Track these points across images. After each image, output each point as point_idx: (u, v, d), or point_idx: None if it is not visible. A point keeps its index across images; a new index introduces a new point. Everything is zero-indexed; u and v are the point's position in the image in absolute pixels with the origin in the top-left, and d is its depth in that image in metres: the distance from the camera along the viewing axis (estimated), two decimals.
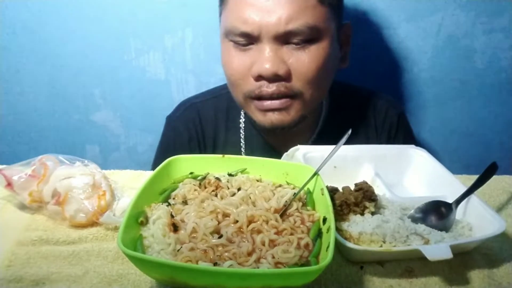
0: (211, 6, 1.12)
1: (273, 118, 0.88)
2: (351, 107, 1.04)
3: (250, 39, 0.83)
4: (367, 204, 0.68)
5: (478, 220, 0.67)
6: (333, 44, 0.87)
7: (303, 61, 0.83)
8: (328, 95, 1.01)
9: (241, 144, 1.02)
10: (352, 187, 0.71)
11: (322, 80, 0.88)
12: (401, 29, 1.16)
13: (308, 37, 0.82)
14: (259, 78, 0.84)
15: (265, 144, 1.02)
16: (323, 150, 0.79)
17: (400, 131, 1.05)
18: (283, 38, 0.82)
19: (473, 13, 1.14)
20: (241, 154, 1.02)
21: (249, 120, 1.02)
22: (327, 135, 0.96)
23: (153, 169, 1.09)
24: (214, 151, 1.04)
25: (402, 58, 1.20)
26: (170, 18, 1.18)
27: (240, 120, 1.03)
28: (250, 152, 1.02)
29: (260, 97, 0.86)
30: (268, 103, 0.86)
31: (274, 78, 0.83)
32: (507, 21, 1.14)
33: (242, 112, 1.03)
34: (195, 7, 1.16)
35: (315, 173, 0.67)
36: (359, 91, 1.08)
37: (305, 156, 0.80)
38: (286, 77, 0.83)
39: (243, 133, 1.03)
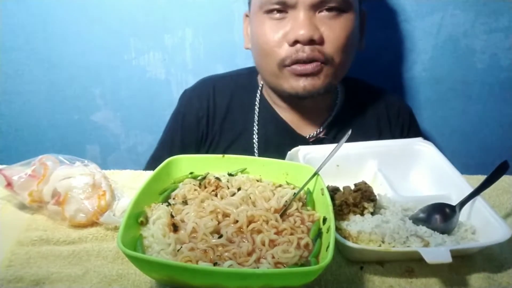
0: (211, 6, 1.13)
1: (306, 83, 0.92)
2: (365, 98, 1.07)
3: (286, 7, 0.89)
4: (365, 204, 0.68)
5: (482, 224, 0.66)
6: (357, 20, 0.94)
7: (335, 28, 0.89)
8: (342, 84, 1.04)
9: (255, 120, 1.04)
10: (353, 186, 0.71)
11: (349, 50, 0.94)
12: (401, 29, 1.16)
13: (340, 5, 0.89)
14: (295, 43, 0.89)
15: (280, 122, 1.03)
16: (323, 150, 0.79)
17: (412, 130, 1.08)
18: (318, 6, 0.88)
19: (473, 13, 1.14)
20: (253, 132, 1.03)
21: (265, 99, 1.05)
22: (342, 120, 1.02)
23: (160, 142, 1.10)
24: (222, 126, 1.05)
25: (402, 58, 1.20)
26: (170, 18, 1.18)
27: (256, 99, 1.05)
28: (263, 130, 1.03)
29: (295, 63, 0.90)
30: (301, 68, 0.90)
31: (309, 42, 0.88)
32: (507, 21, 1.14)
33: (258, 92, 1.06)
34: (195, 7, 1.16)
35: (315, 173, 0.67)
36: (370, 86, 1.11)
37: (305, 157, 0.80)
38: (319, 42, 0.89)
39: (258, 110, 1.04)
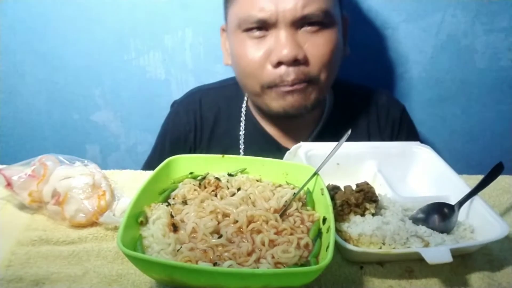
0: (211, 6, 1.13)
1: (293, 100, 0.89)
2: (353, 103, 1.05)
3: (266, 26, 0.85)
4: (367, 205, 0.68)
5: (480, 222, 0.66)
6: (340, 31, 0.91)
7: (319, 44, 0.86)
8: (331, 91, 1.02)
9: (241, 134, 1.02)
10: (354, 186, 0.70)
11: (334, 64, 0.91)
12: (401, 29, 1.16)
13: (323, 20, 0.85)
14: (278, 64, 0.85)
15: (265, 136, 1.02)
16: (325, 147, 0.78)
17: (403, 127, 1.06)
18: (299, 23, 0.84)
19: (473, 13, 1.14)
20: (239, 146, 1.02)
21: (250, 112, 1.03)
22: (329, 131, 0.98)
23: (150, 153, 1.11)
24: (210, 140, 1.04)
25: (402, 58, 1.20)
26: (170, 18, 1.18)
27: (242, 112, 1.03)
28: (249, 144, 1.02)
29: (280, 85, 0.87)
30: (288, 88, 0.87)
31: (293, 62, 0.84)
32: (507, 21, 1.14)
33: (244, 104, 1.04)
34: (195, 7, 1.16)
35: (315, 173, 0.67)
36: (360, 88, 1.09)
37: (307, 154, 0.80)
38: (304, 61, 0.86)
39: (244, 124, 1.03)
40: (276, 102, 0.90)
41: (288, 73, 0.85)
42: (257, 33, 0.86)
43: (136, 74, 1.24)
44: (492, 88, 1.23)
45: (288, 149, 0.95)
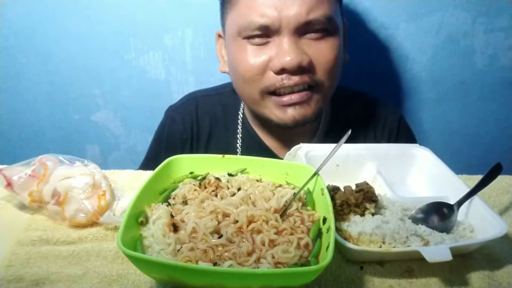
0: (211, 6, 1.12)
1: (294, 113, 0.86)
2: (351, 113, 1.04)
3: (268, 33, 0.83)
4: (367, 205, 0.68)
5: (480, 222, 0.66)
6: (342, 37, 0.89)
7: (323, 51, 0.84)
8: (330, 100, 1.00)
9: (238, 144, 1.02)
10: (354, 187, 0.71)
11: (338, 71, 0.89)
12: (401, 29, 1.16)
13: (327, 27, 0.84)
14: (281, 71, 0.83)
15: (262, 146, 1.01)
16: (325, 148, 0.79)
17: (400, 136, 1.05)
18: (303, 29, 0.82)
19: (473, 13, 1.14)
20: (236, 153, 1.02)
21: (247, 121, 1.02)
22: (326, 142, 0.96)
23: (145, 159, 1.09)
24: (207, 149, 1.02)
25: (402, 58, 1.20)
26: (170, 18, 1.18)
27: (238, 121, 1.02)
28: (246, 153, 1.01)
29: (280, 92, 0.85)
30: (287, 98, 0.85)
31: (297, 70, 0.82)
32: (507, 21, 1.14)
33: (240, 113, 1.02)
34: (195, 7, 1.16)
35: (315, 173, 0.67)
36: (358, 97, 1.07)
37: (307, 155, 0.80)
38: (309, 68, 0.83)
39: (241, 133, 1.02)
40: (275, 114, 0.88)
41: (290, 77, 0.83)
42: (258, 40, 0.84)
43: (136, 74, 1.24)
44: (492, 88, 1.23)
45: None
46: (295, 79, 0.83)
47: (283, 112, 0.87)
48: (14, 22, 1.18)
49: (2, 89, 1.26)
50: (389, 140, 1.03)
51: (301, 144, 0.82)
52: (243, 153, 1.01)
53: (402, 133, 1.05)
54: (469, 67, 1.21)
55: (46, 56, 1.22)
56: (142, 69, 1.24)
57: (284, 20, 0.81)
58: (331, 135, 0.99)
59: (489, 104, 1.25)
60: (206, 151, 1.03)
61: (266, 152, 1.00)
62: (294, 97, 0.85)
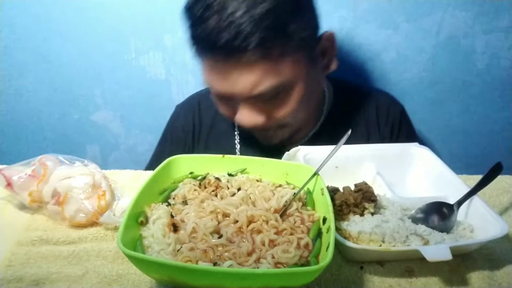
0: None
1: (272, 140, 0.93)
2: (352, 102, 1.04)
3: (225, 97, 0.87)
4: (366, 205, 0.68)
5: (480, 221, 0.66)
6: (309, 71, 0.86)
7: (281, 108, 0.86)
8: (331, 89, 1.01)
9: (235, 135, 1.03)
10: (353, 187, 0.71)
11: (306, 104, 0.89)
12: (401, 29, 1.16)
13: (278, 94, 0.83)
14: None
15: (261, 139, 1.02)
16: (323, 151, 0.79)
17: (403, 127, 1.05)
18: (256, 98, 0.83)
19: (473, 13, 1.14)
20: (235, 147, 1.03)
21: None
22: (327, 130, 0.98)
23: (152, 155, 1.13)
24: (207, 141, 1.06)
25: (402, 58, 1.20)
26: (170, 18, 1.18)
27: None
28: (244, 147, 1.02)
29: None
30: (261, 134, 0.92)
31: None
32: (507, 21, 1.14)
33: None
34: None
35: (315, 173, 0.67)
36: (359, 88, 1.09)
37: (305, 157, 0.80)
38: (267, 122, 0.87)
39: (238, 128, 1.04)
40: (259, 136, 0.94)
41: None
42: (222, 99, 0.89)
43: (136, 74, 1.24)
44: (492, 88, 1.23)
45: (284, 147, 0.95)
46: (260, 131, 0.89)
47: (265, 137, 0.94)
48: (14, 22, 1.18)
49: (2, 89, 1.26)
50: (392, 130, 1.04)
51: (300, 147, 0.83)
52: (241, 143, 1.03)
53: (404, 123, 1.06)
54: (469, 67, 1.20)
55: (46, 56, 1.22)
56: (142, 69, 1.24)
57: (236, 92, 0.82)
58: (332, 124, 0.99)
59: (489, 104, 1.25)
60: (206, 143, 1.06)
61: (265, 146, 1.00)
62: (267, 134, 0.92)
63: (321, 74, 0.93)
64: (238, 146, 1.03)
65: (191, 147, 1.07)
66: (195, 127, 1.07)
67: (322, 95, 1.00)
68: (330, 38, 0.90)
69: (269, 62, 0.78)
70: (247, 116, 0.86)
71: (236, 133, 1.03)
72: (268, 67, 0.79)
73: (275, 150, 0.96)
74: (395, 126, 1.04)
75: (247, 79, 0.80)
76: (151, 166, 1.07)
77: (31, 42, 1.20)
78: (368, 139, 1.01)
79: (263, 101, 0.83)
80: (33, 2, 1.16)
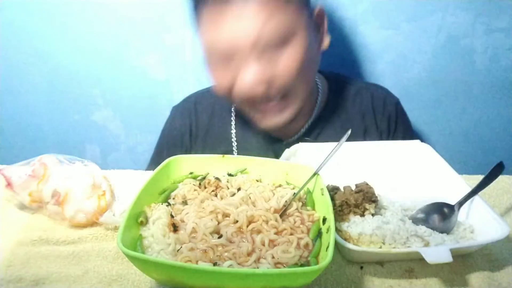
0: None
1: (272, 122, 0.90)
2: (348, 93, 1.04)
3: (226, 56, 0.83)
4: (367, 205, 0.68)
5: (480, 223, 0.66)
6: (309, 32, 0.85)
7: (283, 61, 0.82)
8: (324, 80, 1.01)
9: (233, 135, 1.03)
10: (354, 186, 0.70)
11: (308, 71, 0.88)
12: (401, 29, 1.16)
13: (284, 40, 0.81)
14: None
15: (257, 129, 1.00)
16: (324, 148, 0.78)
17: (399, 120, 1.05)
18: (257, 51, 0.80)
19: (473, 13, 1.14)
20: (231, 143, 1.03)
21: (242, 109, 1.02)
22: (324, 120, 0.98)
23: (151, 158, 1.12)
24: (205, 140, 1.06)
25: (402, 58, 1.20)
26: (170, 18, 1.18)
27: (232, 108, 1.04)
28: (243, 141, 1.02)
29: (251, 101, 0.87)
30: (263, 107, 0.88)
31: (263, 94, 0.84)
32: (507, 21, 1.14)
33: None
34: None
35: (315, 173, 0.67)
36: (355, 80, 1.09)
37: (305, 155, 0.80)
38: (270, 86, 0.83)
39: (234, 122, 1.04)
40: (256, 120, 0.92)
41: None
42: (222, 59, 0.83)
43: (136, 74, 1.24)
44: (492, 88, 1.23)
45: (281, 140, 0.96)
46: (260, 93, 0.83)
47: (263, 119, 0.91)
48: (14, 22, 1.18)
49: (2, 89, 1.26)
50: (389, 122, 1.03)
51: (300, 144, 0.82)
52: (239, 141, 1.03)
53: (400, 117, 1.06)
54: (469, 67, 1.20)
55: (46, 56, 1.22)
56: (142, 69, 1.24)
57: (239, 43, 0.80)
58: (329, 114, 0.99)
59: (489, 104, 1.25)
60: (204, 142, 1.05)
61: (261, 134, 1.00)
62: (269, 105, 0.88)
63: (317, 48, 0.91)
64: (235, 145, 1.03)
65: (189, 148, 1.07)
66: (192, 128, 1.07)
67: (316, 86, 1.00)
68: (321, 13, 0.90)
69: (275, 2, 0.78)
70: (250, 75, 0.80)
71: (233, 133, 1.03)
72: (274, 7, 0.78)
73: (274, 150, 0.96)
74: (391, 118, 1.04)
75: (253, 20, 0.78)
76: (149, 169, 1.06)
77: (31, 42, 1.20)
78: (365, 131, 1.01)
79: (267, 54, 0.80)
80: (33, 2, 1.16)
